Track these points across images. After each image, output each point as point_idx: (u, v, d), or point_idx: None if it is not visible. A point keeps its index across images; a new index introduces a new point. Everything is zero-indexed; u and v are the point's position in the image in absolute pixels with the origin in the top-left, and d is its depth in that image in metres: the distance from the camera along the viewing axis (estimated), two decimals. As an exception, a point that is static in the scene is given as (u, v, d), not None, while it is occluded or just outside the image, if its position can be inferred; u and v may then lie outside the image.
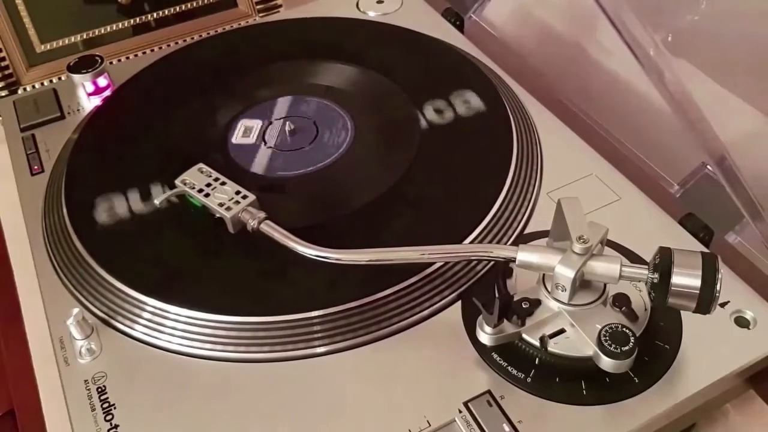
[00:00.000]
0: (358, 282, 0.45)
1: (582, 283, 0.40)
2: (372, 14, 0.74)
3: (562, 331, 0.40)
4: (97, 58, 0.66)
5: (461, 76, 0.62)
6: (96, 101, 0.66)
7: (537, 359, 0.40)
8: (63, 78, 0.72)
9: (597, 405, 0.40)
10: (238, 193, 0.49)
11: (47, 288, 0.49)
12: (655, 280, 0.37)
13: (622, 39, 0.60)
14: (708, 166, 0.58)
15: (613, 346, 0.37)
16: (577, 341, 0.39)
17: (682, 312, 0.42)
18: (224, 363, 0.43)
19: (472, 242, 0.48)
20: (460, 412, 0.40)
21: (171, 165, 0.52)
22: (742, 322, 0.43)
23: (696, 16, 0.62)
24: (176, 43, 0.78)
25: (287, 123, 0.59)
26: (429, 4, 0.75)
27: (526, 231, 0.50)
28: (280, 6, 0.82)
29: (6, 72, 0.72)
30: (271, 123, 0.60)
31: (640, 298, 0.41)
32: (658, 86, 0.59)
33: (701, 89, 0.58)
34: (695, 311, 0.37)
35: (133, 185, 0.54)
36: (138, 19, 0.78)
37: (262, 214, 0.47)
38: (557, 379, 0.40)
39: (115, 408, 0.41)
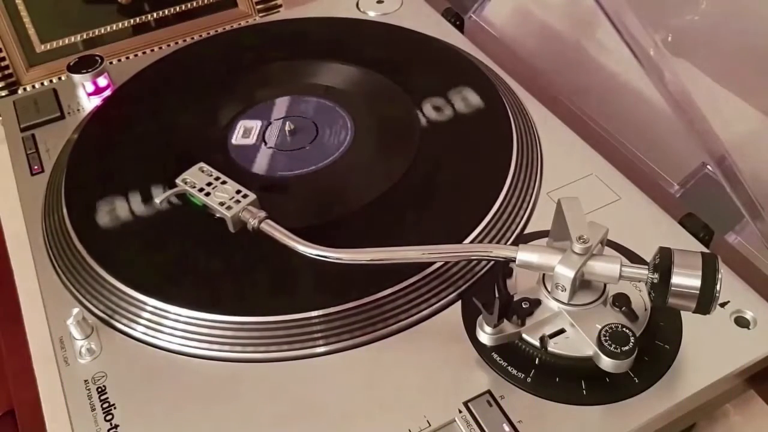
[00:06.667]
0: (358, 282, 0.45)
1: (582, 283, 0.40)
2: (372, 14, 0.74)
3: (562, 331, 0.40)
4: (97, 58, 0.66)
5: (461, 76, 0.62)
6: (96, 101, 0.66)
7: (537, 359, 0.40)
8: (63, 78, 0.72)
9: (597, 405, 0.40)
10: (238, 192, 0.49)
11: (47, 288, 0.49)
12: (655, 280, 0.37)
13: (622, 39, 0.60)
14: (708, 166, 0.59)
15: (613, 346, 0.37)
16: (577, 341, 0.39)
17: (682, 312, 0.42)
18: (224, 363, 0.43)
19: (472, 242, 0.48)
20: (460, 412, 0.40)
21: (171, 164, 0.52)
22: (742, 322, 0.43)
23: (696, 16, 0.62)
24: (176, 43, 0.78)
25: (287, 123, 0.59)
26: (429, 4, 0.75)
27: (526, 231, 0.50)
28: (280, 6, 0.82)
29: (6, 72, 0.72)
30: (270, 123, 0.60)
31: (640, 298, 0.41)
32: (658, 86, 0.59)
33: (701, 89, 0.58)
34: (695, 311, 0.37)
35: (134, 185, 0.54)
36: (138, 19, 0.78)
37: (263, 214, 0.47)
38: (557, 379, 0.40)
39: (115, 408, 0.41)
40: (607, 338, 0.38)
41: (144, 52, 0.77)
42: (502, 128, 0.56)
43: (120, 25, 0.78)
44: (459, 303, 0.45)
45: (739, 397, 0.45)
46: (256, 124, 0.59)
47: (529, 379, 0.40)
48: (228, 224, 0.48)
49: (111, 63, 0.74)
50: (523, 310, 0.40)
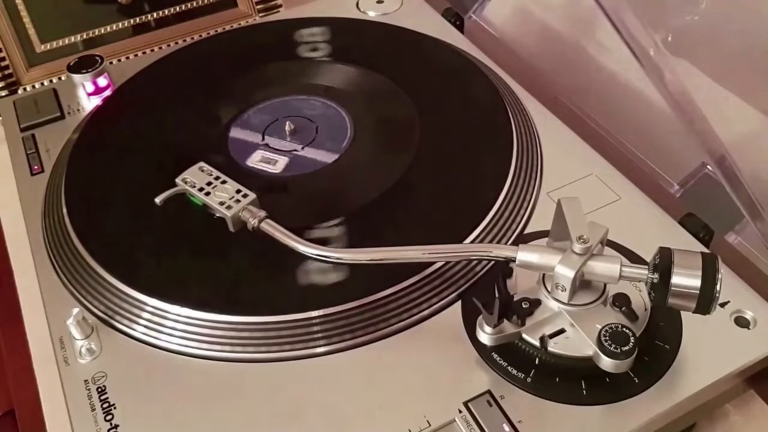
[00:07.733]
0: (358, 282, 0.45)
1: (582, 283, 0.40)
2: (372, 14, 0.74)
3: (562, 331, 0.40)
4: (97, 58, 0.66)
5: (461, 76, 0.62)
6: (96, 101, 0.66)
7: (537, 359, 0.40)
8: (63, 78, 0.72)
9: (597, 405, 0.40)
10: (238, 191, 0.49)
11: (47, 288, 0.49)
12: (655, 280, 0.37)
13: (622, 39, 0.61)
14: (708, 166, 0.59)
15: (613, 346, 0.37)
16: (577, 341, 0.39)
17: (682, 312, 0.42)
18: (224, 363, 0.43)
19: (472, 242, 0.48)
20: (460, 412, 0.40)
21: (171, 164, 0.52)
22: (742, 322, 0.43)
23: (696, 16, 0.62)
24: (176, 43, 0.78)
25: (287, 123, 0.59)
26: (429, 4, 0.75)
27: (526, 231, 0.50)
28: (280, 6, 0.82)
29: (6, 72, 0.72)
30: (271, 123, 0.60)
31: (640, 298, 0.41)
32: (658, 86, 0.59)
33: (701, 89, 0.58)
34: (695, 311, 0.37)
35: (133, 184, 0.54)
36: (138, 19, 0.78)
37: (263, 213, 0.47)
38: (557, 379, 0.40)
39: (115, 408, 0.41)
40: (607, 338, 0.38)
41: (144, 52, 0.77)
42: (502, 128, 0.56)
43: (120, 25, 0.78)
44: (459, 303, 0.45)
45: (739, 397, 0.45)
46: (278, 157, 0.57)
47: (529, 379, 0.40)
48: (228, 224, 0.48)
49: (111, 63, 0.74)
50: (523, 310, 0.40)
